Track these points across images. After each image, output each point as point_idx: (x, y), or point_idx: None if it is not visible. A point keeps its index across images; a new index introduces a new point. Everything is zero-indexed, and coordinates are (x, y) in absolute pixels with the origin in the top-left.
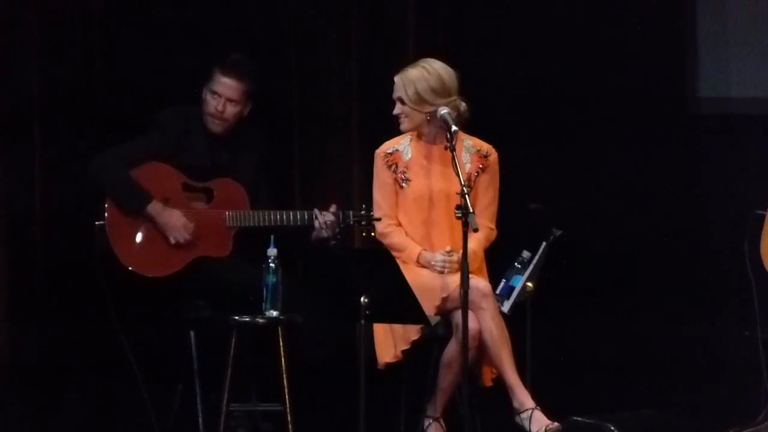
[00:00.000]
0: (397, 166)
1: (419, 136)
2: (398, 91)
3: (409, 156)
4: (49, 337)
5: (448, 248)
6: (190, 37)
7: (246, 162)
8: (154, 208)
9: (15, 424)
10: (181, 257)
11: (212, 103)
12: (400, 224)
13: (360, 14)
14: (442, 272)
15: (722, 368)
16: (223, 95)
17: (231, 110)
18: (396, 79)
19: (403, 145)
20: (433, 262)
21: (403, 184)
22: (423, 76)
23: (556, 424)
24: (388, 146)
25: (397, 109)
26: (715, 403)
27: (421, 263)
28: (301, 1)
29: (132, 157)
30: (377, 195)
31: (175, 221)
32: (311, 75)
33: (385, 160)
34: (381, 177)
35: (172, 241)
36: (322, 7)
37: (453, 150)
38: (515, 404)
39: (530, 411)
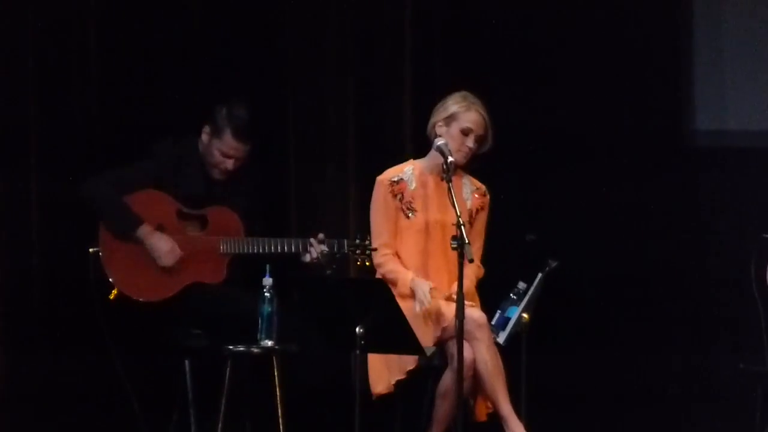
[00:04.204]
0: (403, 196)
1: (419, 166)
2: (481, 130)
3: (414, 186)
4: (44, 365)
5: (432, 285)
6: (187, 66)
7: (241, 190)
8: (143, 231)
9: None
10: (175, 283)
11: (219, 159)
12: (396, 253)
13: (357, 47)
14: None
15: (718, 400)
16: (233, 157)
17: (236, 165)
18: (482, 117)
19: (407, 174)
20: (417, 297)
21: (410, 215)
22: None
23: None
24: (392, 174)
25: (473, 144)
26: None
27: (411, 288)
28: (298, 34)
29: (125, 182)
30: (379, 223)
31: (162, 245)
32: (308, 104)
33: (391, 188)
34: (385, 205)
35: (160, 264)
36: (319, 40)
37: (449, 181)
38: None
39: None
